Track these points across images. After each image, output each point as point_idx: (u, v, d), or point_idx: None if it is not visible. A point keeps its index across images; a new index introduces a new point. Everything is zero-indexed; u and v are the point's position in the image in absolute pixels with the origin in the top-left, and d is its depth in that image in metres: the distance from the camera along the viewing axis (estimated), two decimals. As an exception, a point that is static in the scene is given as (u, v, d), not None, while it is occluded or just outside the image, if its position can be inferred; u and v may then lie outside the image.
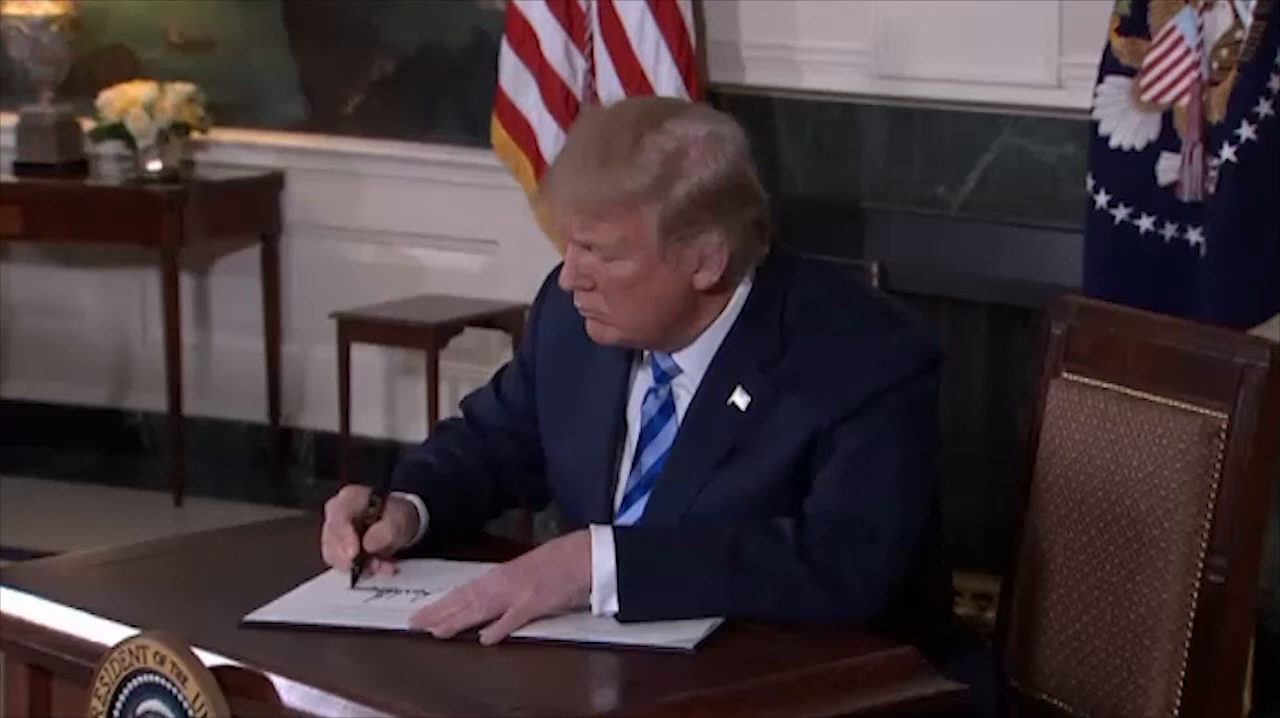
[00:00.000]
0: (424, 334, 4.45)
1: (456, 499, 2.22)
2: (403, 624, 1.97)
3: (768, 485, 2.08)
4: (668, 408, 2.15)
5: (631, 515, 2.15)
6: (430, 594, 2.03)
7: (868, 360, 2.07)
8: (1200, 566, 2.16)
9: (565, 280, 2.12)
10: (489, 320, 4.54)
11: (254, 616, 1.99)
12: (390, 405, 4.80)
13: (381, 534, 2.11)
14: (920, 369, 2.09)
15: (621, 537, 2.01)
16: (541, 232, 4.24)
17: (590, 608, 1.98)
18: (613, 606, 1.98)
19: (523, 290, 4.67)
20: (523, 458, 2.27)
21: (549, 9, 4.14)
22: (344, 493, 2.16)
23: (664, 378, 2.16)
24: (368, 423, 4.70)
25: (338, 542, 2.11)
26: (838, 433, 2.06)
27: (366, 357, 4.64)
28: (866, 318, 2.11)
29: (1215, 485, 2.16)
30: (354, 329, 4.53)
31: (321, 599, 2.03)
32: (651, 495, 2.14)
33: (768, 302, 2.12)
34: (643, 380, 2.17)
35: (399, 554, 2.14)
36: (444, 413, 4.55)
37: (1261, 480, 2.17)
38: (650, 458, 2.15)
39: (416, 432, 4.63)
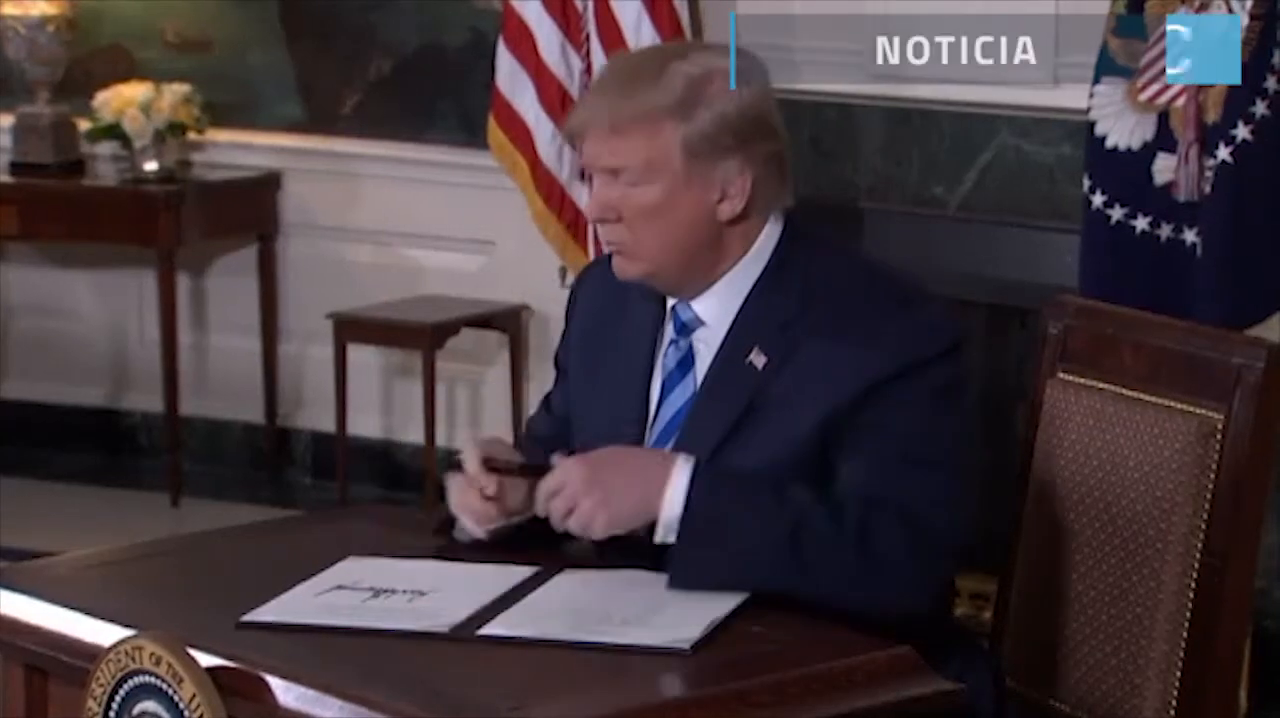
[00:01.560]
0: (421, 335, 4.45)
1: None
2: (399, 624, 1.97)
3: (786, 452, 2.08)
4: (687, 361, 2.17)
5: None
6: (427, 595, 2.03)
7: (892, 334, 2.08)
8: (1197, 565, 2.16)
9: (591, 212, 2.15)
10: (486, 321, 4.54)
11: (250, 616, 1.99)
12: (387, 406, 4.80)
13: (515, 492, 2.13)
14: (945, 350, 2.10)
15: (697, 485, 2.03)
16: (539, 232, 4.24)
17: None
18: (672, 540, 2.03)
19: (520, 291, 4.71)
20: None
21: (545, 9, 4.14)
22: (485, 438, 2.19)
23: (684, 330, 2.17)
24: (364, 423, 4.70)
25: (471, 488, 2.12)
26: (870, 407, 2.06)
27: (363, 357, 4.64)
28: (892, 293, 2.13)
29: (1212, 486, 2.16)
30: (351, 329, 4.53)
31: (318, 599, 2.03)
32: (671, 449, 2.13)
33: (792, 264, 2.14)
34: (666, 335, 2.19)
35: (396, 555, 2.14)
36: (441, 414, 4.56)
37: (1258, 480, 2.17)
38: (668, 411, 2.17)
39: (413, 432, 4.63)
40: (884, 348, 2.07)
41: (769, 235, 2.16)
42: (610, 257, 2.19)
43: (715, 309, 2.16)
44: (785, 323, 2.11)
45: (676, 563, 2.03)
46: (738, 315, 2.14)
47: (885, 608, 2.01)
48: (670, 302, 2.19)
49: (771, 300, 2.13)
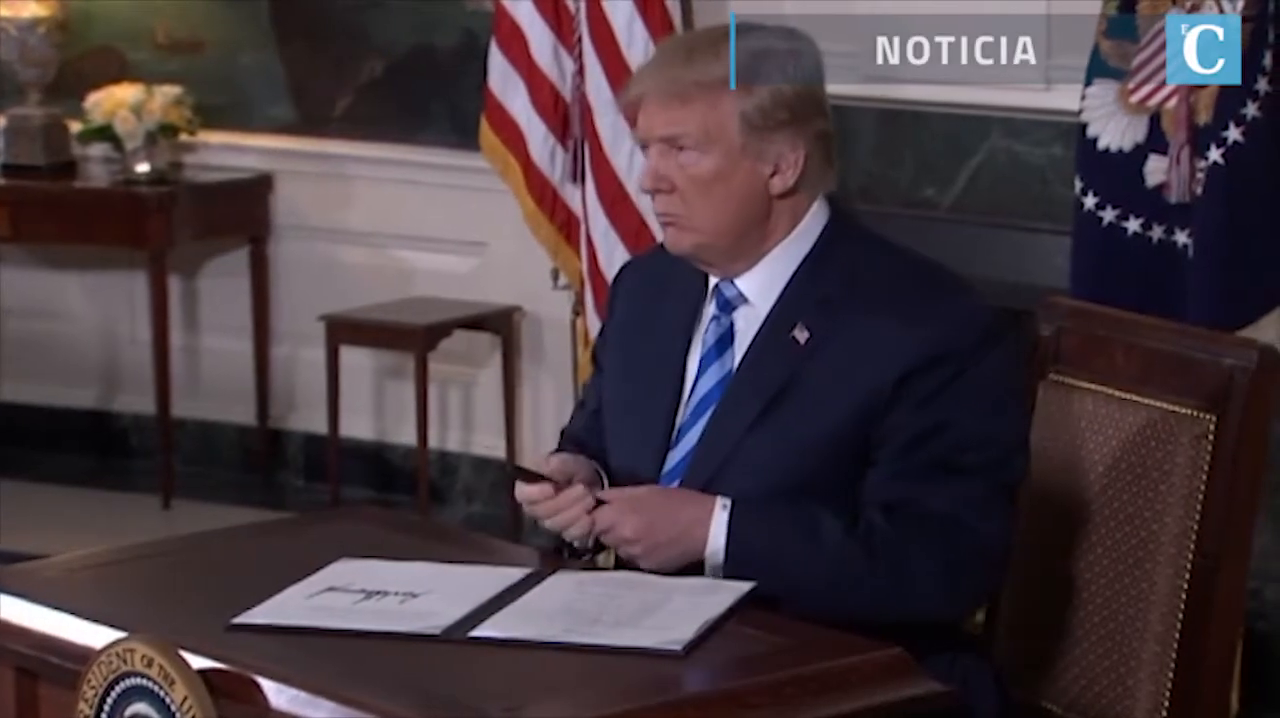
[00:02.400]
0: (413, 336, 4.45)
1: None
2: (390, 626, 1.97)
3: (820, 434, 2.09)
4: (725, 339, 2.18)
5: (684, 447, 2.16)
6: (419, 597, 2.03)
7: (933, 322, 2.09)
8: (1189, 567, 2.16)
9: (645, 183, 2.18)
10: (478, 322, 4.54)
11: (241, 618, 1.99)
12: (379, 408, 4.80)
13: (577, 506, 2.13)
14: (990, 338, 2.11)
15: (735, 529, 2.07)
16: (531, 233, 4.24)
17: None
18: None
19: (512, 293, 4.70)
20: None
21: (537, 10, 4.14)
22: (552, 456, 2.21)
23: (727, 307, 2.19)
24: (357, 425, 4.70)
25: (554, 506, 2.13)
26: (905, 400, 2.07)
27: (355, 359, 4.64)
28: (937, 282, 2.15)
29: (1203, 487, 2.16)
30: (343, 331, 4.53)
31: (309, 602, 2.03)
32: (706, 426, 2.15)
33: (839, 247, 2.17)
34: (708, 313, 2.21)
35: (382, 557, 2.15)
36: (433, 415, 4.56)
37: (1249, 482, 2.17)
38: (704, 387, 2.18)
39: (406, 434, 4.63)
40: (925, 336, 2.08)
41: (815, 216, 2.19)
42: (646, 254, 2.26)
43: (759, 286, 2.18)
44: (829, 302, 2.13)
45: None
46: (783, 291, 2.16)
47: (923, 622, 2.06)
48: (713, 280, 2.21)
49: (818, 279, 2.15)
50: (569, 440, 2.32)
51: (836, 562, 2.06)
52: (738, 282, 2.18)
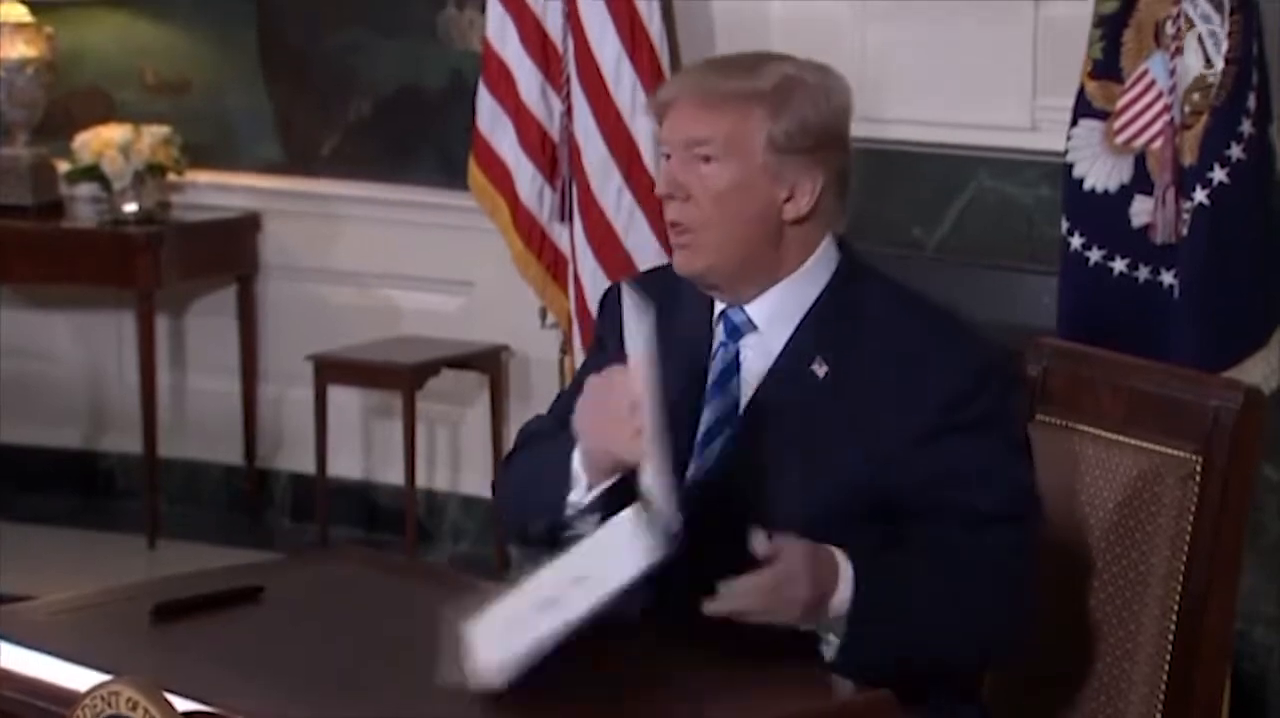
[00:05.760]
0: (400, 375, 4.44)
1: None
2: (611, 586, 1.91)
3: (841, 475, 2.07)
4: (732, 368, 2.17)
5: (691, 478, 2.13)
6: (583, 579, 1.94)
7: (959, 366, 2.09)
8: (1176, 607, 2.16)
9: (661, 188, 2.17)
10: (466, 362, 4.54)
11: (481, 672, 1.91)
12: (367, 447, 4.79)
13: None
14: (1012, 383, 2.14)
15: (862, 586, 2.01)
16: (518, 273, 4.24)
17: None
18: (834, 642, 2.01)
19: (500, 331, 4.70)
20: None
21: (525, 51, 4.16)
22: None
23: (735, 333, 2.18)
24: (344, 465, 4.69)
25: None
26: (930, 446, 2.06)
27: (343, 398, 4.63)
28: (958, 326, 2.16)
29: (1190, 528, 2.16)
30: (330, 371, 4.52)
31: (514, 620, 1.95)
32: (718, 460, 2.13)
33: (856, 283, 2.17)
34: (716, 338, 2.19)
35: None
36: (421, 455, 4.55)
37: (1235, 522, 2.17)
38: (709, 417, 2.16)
39: (393, 474, 4.62)
40: (946, 383, 2.08)
41: (826, 251, 2.19)
42: (644, 275, 2.26)
43: (769, 314, 2.17)
44: (849, 339, 2.12)
45: (850, 643, 2.01)
46: (801, 322, 2.15)
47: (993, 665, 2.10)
48: (719, 306, 2.19)
49: (839, 314, 2.14)
50: (536, 437, 2.27)
51: (952, 600, 2.03)
52: (747, 308, 2.17)
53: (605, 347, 2.25)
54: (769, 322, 2.16)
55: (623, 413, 2.01)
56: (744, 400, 2.15)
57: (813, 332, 2.14)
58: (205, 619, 2.14)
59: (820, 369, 2.11)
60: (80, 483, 5.05)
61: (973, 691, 2.20)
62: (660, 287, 2.23)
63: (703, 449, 2.15)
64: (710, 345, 2.18)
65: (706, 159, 2.14)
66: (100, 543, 4.75)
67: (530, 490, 2.17)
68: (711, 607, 1.97)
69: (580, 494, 2.10)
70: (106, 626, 2.15)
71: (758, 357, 2.16)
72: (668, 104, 2.18)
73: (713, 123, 2.14)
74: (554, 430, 2.23)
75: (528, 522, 2.19)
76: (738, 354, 2.17)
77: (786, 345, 2.15)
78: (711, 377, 2.17)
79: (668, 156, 2.18)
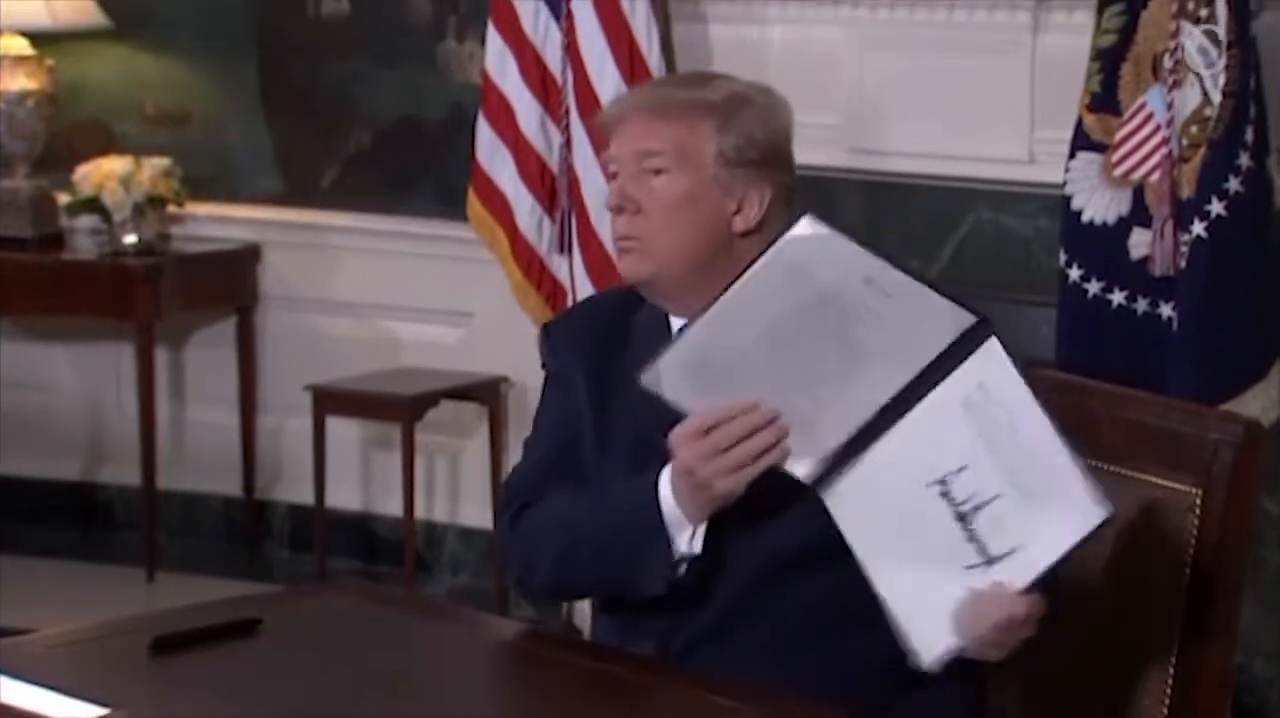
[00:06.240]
0: (399, 407, 4.44)
1: None
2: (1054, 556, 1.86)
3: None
4: None
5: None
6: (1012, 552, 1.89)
7: None
8: (1177, 641, 2.15)
9: (612, 201, 2.19)
10: (465, 393, 4.54)
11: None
12: (365, 478, 4.78)
13: None
14: None
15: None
16: (518, 304, 4.25)
17: None
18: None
19: (499, 362, 4.70)
20: None
21: (525, 83, 4.17)
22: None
23: None
24: (343, 496, 4.69)
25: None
26: None
27: (342, 429, 4.63)
28: None
29: (1190, 561, 2.16)
30: (329, 402, 4.52)
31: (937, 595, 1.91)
32: None
33: None
34: None
35: None
36: (420, 486, 4.55)
37: (1236, 555, 2.17)
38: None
39: (392, 505, 4.61)
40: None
41: None
42: (574, 308, 2.21)
43: None
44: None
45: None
46: None
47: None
48: (675, 322, 2.21)
49: None
50: (539, 493, 2.23)
51: None
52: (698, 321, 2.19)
53: (569, 384, 2.23)
54: None
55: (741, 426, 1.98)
56: None
57: None
58: (204, 652, 2.13)
59: None
60: (79, 515, 5.04)
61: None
62: (602, 321, 2.24)
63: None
64: None
65: (657, 171, 2.18)
66: (99, 575, 4.74)
67: (589, 554, 2.12)
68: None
69: (687, 543, 2.06)
70: (105, 659, 2.14)
71: None
72: (616, 121, 2.22)
73: (663, 134, 2.17)
74: (548, 478, 2.20)
75: (584, 585, 2.16)
76: None
77: None
78: None
79: (614, 175, 2.21)
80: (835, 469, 1.96)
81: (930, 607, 1.91)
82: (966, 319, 1.97)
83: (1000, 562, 1.90)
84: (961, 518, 1.92)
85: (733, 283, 2.02)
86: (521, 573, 2.22)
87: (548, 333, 2.29)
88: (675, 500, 2.06)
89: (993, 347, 1.94)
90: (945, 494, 1.92)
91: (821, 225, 1.99)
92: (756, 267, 2.00)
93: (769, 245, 2.02)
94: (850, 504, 1.93)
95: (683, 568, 2.07)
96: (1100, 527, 1.89)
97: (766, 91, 2.25)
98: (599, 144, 2.29)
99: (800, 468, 1.96)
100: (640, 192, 2.17)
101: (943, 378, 1.94)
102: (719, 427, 1.99)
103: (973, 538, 1.92)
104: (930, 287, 1.97)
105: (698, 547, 2.07)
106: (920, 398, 1.94)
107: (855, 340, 1.96)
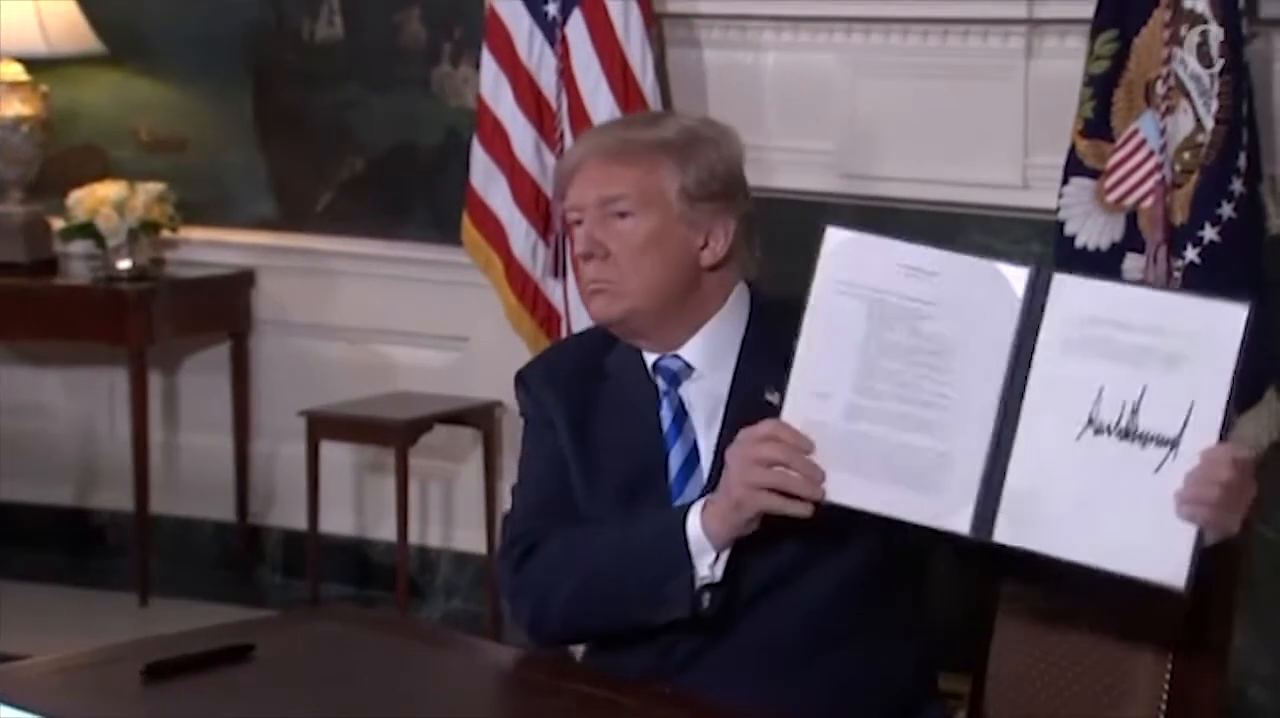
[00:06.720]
0: (393, 432, 4.44)
1: None
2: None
3: None
4: (680, 413, 2.19)
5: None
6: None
7: None
8: (1169, 668, 2.15)
9: (580, 249, 2.19)
10: (459, 417, 4.53)
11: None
12: (359, 504, 4.78)
13: None
14: None
15: None
16: (512, 328, 4.25)
17: None
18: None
19: (494, 387, 4.70)
20: None
21: (519, 107, 4.18)
22: None
23: (675, 380, 2.20)
24: (337, 521, 4.68)
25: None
26: None
27: (336, 454, 4.63)
28: None
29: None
30: (323, 427, 4.52)
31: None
32: (700, 496, 2.12)
33: (776, 308, 2.18)
34: (660, 390, 2.21)
35: None
36: (414, 511, 4.54)
37: (1230, 581, 2.16)
38: (677, 459, 2.17)
39: (386, 530, 4.61)
40: None
41: (741, 293, 2.24)
42: (544, 355, 2.29)
43: (704, 355, 2.20)
44: (787, 363, 2.11)
45: None
46: (739, 360, 2.19)
47: None
48: (649, 358, 2.22)
49: (771, 346, 2.14)
50: (547, 537, 2.22)
51: None
52: (681, 352, 2.21)
53: (552, 426, 2.23)
54: (707, 363, 2.20)
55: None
56: (701, 441, 2.18)
57: (756, 364, 2.18)
58: (196, 679, 2.12)
59: (774, 397, 2.11)
60: (71, 540, 5.03)
61: None
62: (574, 364, 2.25)
63: (679, 491, 2.17)
64: (655, 395, 2.21)
65: (623, 214, 2.18)
66: (91, 601, 4.73)
67: (609, 585, 2.12)
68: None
69: (708, 568, 2.06)
70: (97, 686, 2.13)
71: (704, 397, 2.19)
72: (574, 170, 2.22)
73: (625, 177, 2.18)
74: (550, 519, 2.19)
75: (602, 619, 2.15)
76: (681, 400, 2.20)
77: (735, 381, 2.18)
78: (666, 424, 2.20)
79: (579, 223, 2.21)
80: (990, 504, 1.88)
81: (1157, 531, 1.83)
82: (1021, 273, 1.93)
83: (1183, 438, 1.83)
84: (1127, 433, 1.86)
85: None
86: (533, 615, 2.20)
87: (522, 380, 2.30)
88: (702, 522, 2.07)
89: (1061, 281, 1.89)
90: (1100, 429, 1.86)
91: (845, 231, 1.98)
92: (812, 299, 1.97)
93: (814, 274, 1.97)
94: (1024, 527, 1.86)
95: (706, 597, 2.08)
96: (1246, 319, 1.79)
97: (714, 124, 2.27)
98: (557, 195, 2.31)
99: (958, 521, 1.89)
100: (607, 236, 2.18)
101: (1034, 343, 1.89)
102: (782, 440, 1.98)
103: (1146, 439, 1.85)
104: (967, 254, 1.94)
105: (719, 573, 2.08)
106: (1026, 376, 1.88)
107: (930, 339, 1.93)
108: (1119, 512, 1.86)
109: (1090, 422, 1.87)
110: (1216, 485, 1.85)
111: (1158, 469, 1.85)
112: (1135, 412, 1.86)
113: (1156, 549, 1.84)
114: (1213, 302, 1.85)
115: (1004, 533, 1.90)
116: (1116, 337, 1.86)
